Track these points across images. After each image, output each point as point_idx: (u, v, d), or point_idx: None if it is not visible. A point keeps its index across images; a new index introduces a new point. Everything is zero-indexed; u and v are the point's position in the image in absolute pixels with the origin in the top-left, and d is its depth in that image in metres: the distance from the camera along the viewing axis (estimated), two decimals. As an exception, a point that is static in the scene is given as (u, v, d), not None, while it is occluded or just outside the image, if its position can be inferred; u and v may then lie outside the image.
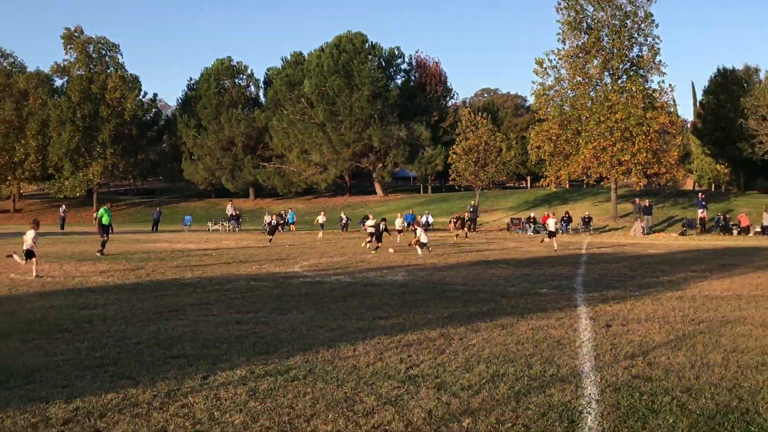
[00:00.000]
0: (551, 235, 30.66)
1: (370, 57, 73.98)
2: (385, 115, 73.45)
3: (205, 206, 77.69)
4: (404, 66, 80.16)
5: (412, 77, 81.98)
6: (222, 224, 52.31)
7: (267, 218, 51.11)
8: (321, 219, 44.38)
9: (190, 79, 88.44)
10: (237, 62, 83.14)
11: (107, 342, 9.28)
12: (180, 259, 23.15)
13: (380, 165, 76.19)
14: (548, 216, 30.78)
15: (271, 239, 33.52)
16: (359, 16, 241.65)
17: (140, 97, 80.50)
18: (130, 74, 79.58)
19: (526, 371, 7.78)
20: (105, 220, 25.26)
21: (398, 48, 78.24)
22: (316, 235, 40.43)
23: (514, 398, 6.73)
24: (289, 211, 54.00)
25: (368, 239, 29.66)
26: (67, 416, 6.12)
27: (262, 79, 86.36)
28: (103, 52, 79.12)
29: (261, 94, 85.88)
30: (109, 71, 78.12)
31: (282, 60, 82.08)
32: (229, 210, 54.47)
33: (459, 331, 10.18)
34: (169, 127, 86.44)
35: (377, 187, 79.98)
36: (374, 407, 6.41)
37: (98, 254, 24.22)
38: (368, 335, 9.75)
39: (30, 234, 18.16)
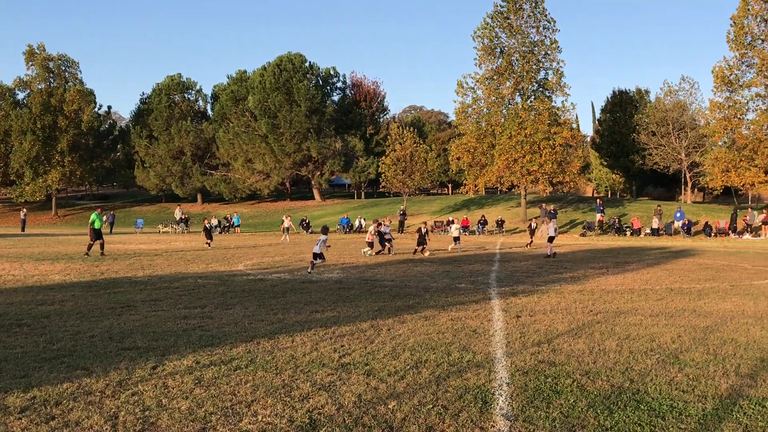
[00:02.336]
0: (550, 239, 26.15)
1: (308, 75, 73.92)
2: (322, 129, 73.68)
3: (156, 210, 76.26)
4: (339, 84, 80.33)
5: (348, 94, 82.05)
6: (172, 227, 51.36)
7: (213, 221, 50.45)
8: (286, 223, 43.91)
9: (143, 93, 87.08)
10: (186, 78, 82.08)
11: (63, 335, 9.01)
12: (132, 259, 22.64)
13: (318, 173, 76.08)
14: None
15: (209, 243, 30.35)
16: (302, 39, 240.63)
17: (96, 109, 78.65)
18: (87, 88, 77.58)
19: (445, 358, 7.84)
20: (96, 225, 24.62)
21: (334, 68, 78.49)
22: (259, 238, 40.00)
23: (434, 382, 6.77)
24: (235, 214, 53.33)
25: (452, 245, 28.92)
26: (25, 404, 5.92)
27: (209, 94, 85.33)
28: (63, 68, 77.19)
29: (209, 107, 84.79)
30: (68, 85, 76.19)
31: (228, 77, 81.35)
32: (177, 214, 53.57)
33: (387, 322, 10.21)
34: (123, 137, 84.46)
35: (316, 193, 79.78)
36: (309, 393, 6.38)
37: (86, 255, 23.86)
38: (305, 327, 9.69)
39: (322, 237, 19.22)
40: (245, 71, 79.03)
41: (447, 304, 12.33)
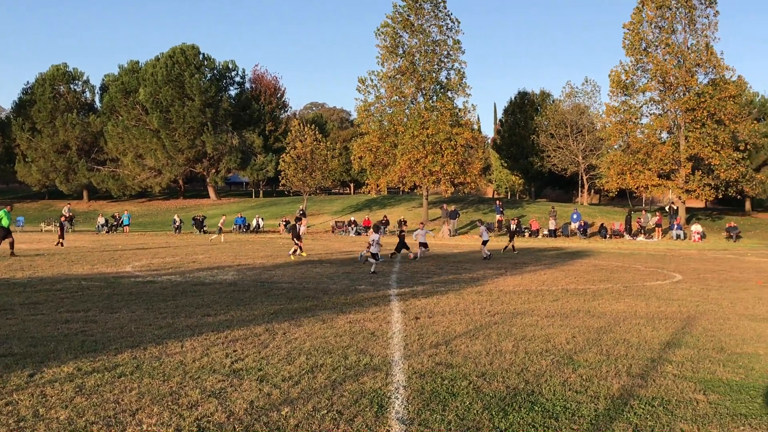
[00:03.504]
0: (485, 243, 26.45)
1: (202, 68, 72.58)
2: (218, 124, 72.51)
3: (39, 207, 73.04)
4: (237, 78, 79.12)
5: (246, 89, 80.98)
6: (55, 225, 49.25)
7: (101, 220, 48.79)
8: (220, 222, 43.19)
9: (27, 83, 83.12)
10: (73, 68, 79.00)
11: (-73, 344, 8.48)
12: (11, 259, 21.60)
13: (213, 170, 74.81)
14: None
15: (61, 243, 29.10)
16: (201, 30, 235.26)
17: (-28, 99, 74.61)
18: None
19: (342, 362, 7.84)
20: (4, 222, 23.23)
21: (233, 61, 77.24)
22: (171, 237, 38.91)
23: (330, 387, 6.76)
24: (124, 213, 51.70)
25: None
26: None
27: (98, 85, 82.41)
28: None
29: (97, 99, 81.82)
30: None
31: (119, 67, 78.74)
32: (65, 211, 51.44)
33: (283, 326, 10.12)
34: (2, 130, 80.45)
35: (211, 191, 78.41)
36: (198, 400, 6.24)
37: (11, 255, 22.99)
38: (196, 332, 9.48)
39: (374, 237, 20.58)
40: (137, 62, 76.73)
41: (346, 306, 12.35)
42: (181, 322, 10.30)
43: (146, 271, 18.71)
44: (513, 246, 30.44)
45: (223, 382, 6.90)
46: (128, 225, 48.98)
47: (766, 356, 8.62)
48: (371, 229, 21.49)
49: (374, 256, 19.93)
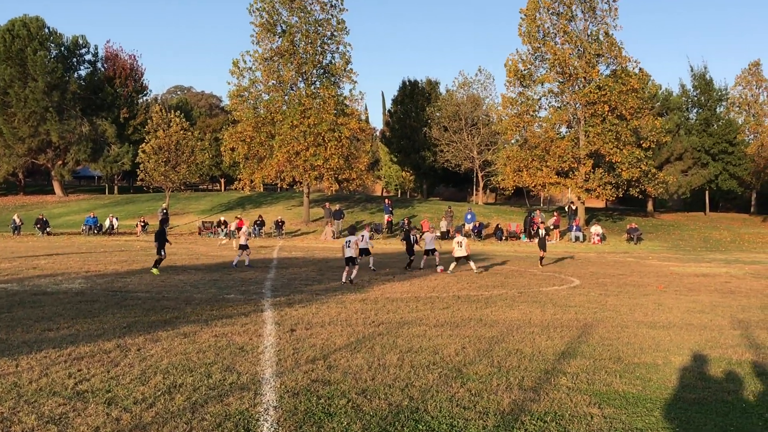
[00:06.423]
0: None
1: (48, 44, 69.68)
2: (65, 109, 69.92)
3: None
4: (89, 57, 76.43)
5: (99, 69, 78.36)
6: None
7: None
8: (233, 226, 41.58)
9: None
10: None
11: None
12: None
13: (60, 162, 72.08)
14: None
15: None
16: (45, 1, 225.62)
17: None
18: None
19: (205, 381, 7.76)
20: None
21: (83, 36, 74.53)
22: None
23: (190, 409, 6.67)
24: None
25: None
26: None
27: None
28: None
29: None
30: None
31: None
32: None
33: (137, 341, 9.90)
34: None
35: (56, 186, 75.46)
36: (34, 427, 6.04)
37: None
38: (34, 349, 9.15)
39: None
40: (-30, 36, 72.94)
41: (211, 318, 12.20)
42: (16, 338, 9.92)
43: (-25, 279, 17.85)
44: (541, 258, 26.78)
45: (65, 406, 6.71)
46: (-45, 225, 46.49)
47: (664, 366, 9.11)
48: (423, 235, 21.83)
49: (347, 260, 19.66)
